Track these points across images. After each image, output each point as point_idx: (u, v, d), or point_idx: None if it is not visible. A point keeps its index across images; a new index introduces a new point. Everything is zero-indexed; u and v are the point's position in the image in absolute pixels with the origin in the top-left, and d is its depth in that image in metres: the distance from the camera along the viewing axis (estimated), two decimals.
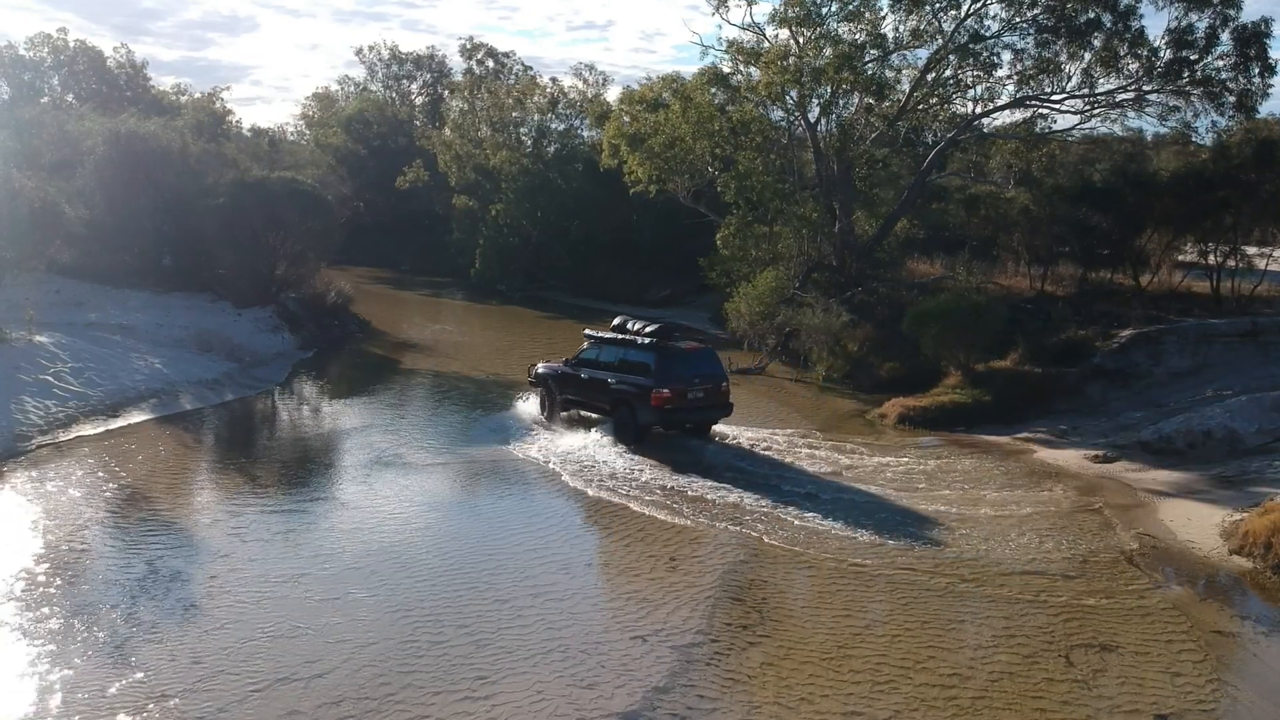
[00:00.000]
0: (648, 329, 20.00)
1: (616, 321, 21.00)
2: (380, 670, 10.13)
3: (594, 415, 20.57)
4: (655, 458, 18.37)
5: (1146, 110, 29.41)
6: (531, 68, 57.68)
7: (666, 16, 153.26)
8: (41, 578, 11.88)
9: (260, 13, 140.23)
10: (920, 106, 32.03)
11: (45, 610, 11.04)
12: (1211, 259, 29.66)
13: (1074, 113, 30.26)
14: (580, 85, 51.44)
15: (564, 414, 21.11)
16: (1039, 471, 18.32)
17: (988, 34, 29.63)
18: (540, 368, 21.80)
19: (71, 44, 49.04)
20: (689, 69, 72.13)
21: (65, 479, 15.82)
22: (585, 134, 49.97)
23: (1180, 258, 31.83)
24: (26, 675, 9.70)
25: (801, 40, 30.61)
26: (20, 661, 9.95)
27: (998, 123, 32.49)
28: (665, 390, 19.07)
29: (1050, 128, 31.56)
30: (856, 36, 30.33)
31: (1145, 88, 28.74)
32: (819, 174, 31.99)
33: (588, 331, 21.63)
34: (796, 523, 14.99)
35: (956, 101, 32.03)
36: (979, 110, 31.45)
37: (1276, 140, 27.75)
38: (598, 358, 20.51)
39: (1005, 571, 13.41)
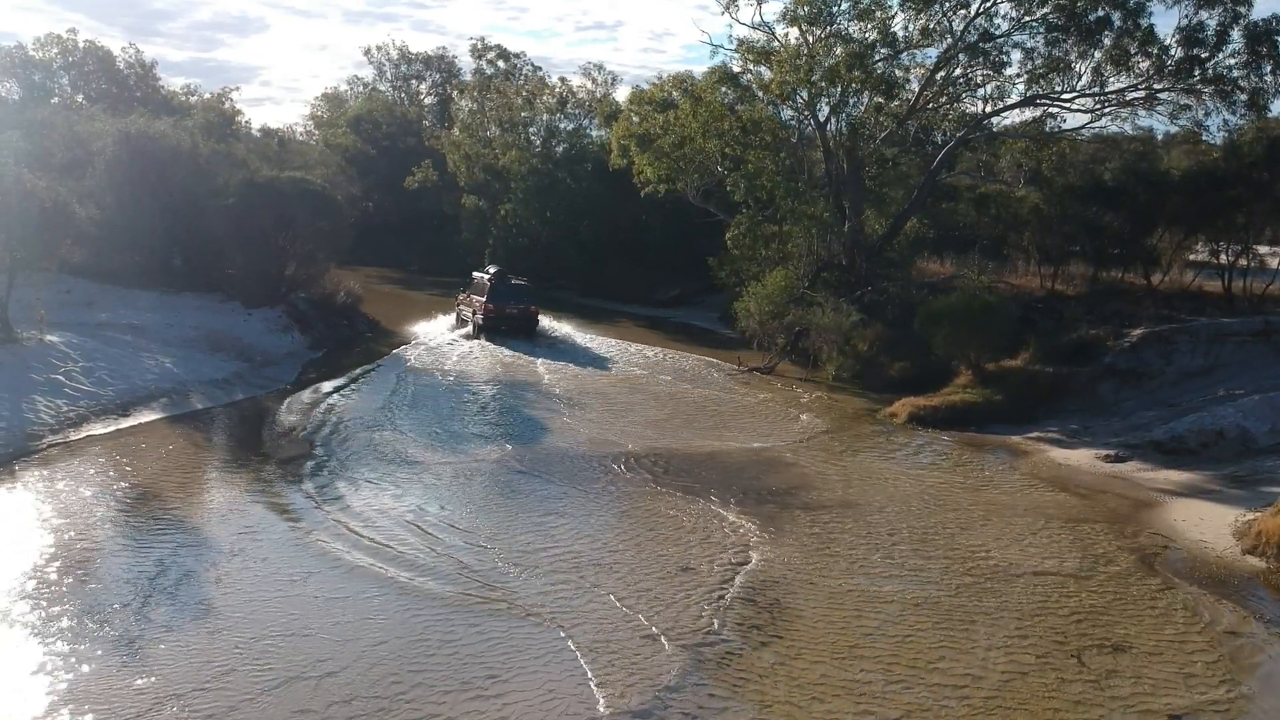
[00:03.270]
0: (490, 270, 33.47)
1: (489, 268, 34.02)
2: (391, 669, 10.13)
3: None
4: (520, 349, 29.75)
5: (1157, 109, 29.38)
6: (541, 68, 57.82)
7: (676, 16, 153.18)
8: (53, 576, 11.90)
9: (270, 13, 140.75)
10: (930, 105, 32.00)
11: (56, 608, 11.05)
12: (1223, 258, 29.61)
13: (1084, 111, 30.25)
14: (589, 85, 51.61)
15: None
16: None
17: (998, 33, 29.65)
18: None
19: (81, 44, 49.22)
20: (698, 68, 72.17)
21: (76, 478, 15.84)
22: (594, 134, 50.06)
23: (1192, 257, 31.77)
24: (38, 674, 9.72)
25: (811, 39, 30.61)
26: (31, 660, 9.96)
27: (1008, 121, 32.54)
28: (491, 305, 31.68)
29: (1060, 126, 31.57)
30: (867, 35, 30.35)
31: (1156, 86, 28.67)
32: (828, 173, 31.98)
33: (475, 273, 34.31)
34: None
35: (966, 100, 32.08)
36: (989, 109, 31.49)
37: None
38: (471, 287, 33.55)
39: (1016, 572, 13.37)
